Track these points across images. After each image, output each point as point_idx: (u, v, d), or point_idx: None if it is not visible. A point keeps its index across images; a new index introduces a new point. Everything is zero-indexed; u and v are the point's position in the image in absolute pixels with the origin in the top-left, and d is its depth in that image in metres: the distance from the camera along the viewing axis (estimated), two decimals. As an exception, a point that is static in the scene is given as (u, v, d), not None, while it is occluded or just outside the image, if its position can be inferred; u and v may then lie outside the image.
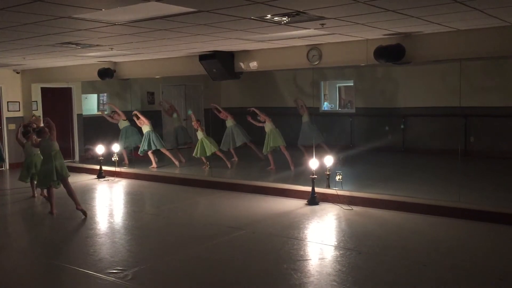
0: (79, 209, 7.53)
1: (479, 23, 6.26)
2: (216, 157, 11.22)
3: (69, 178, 7.74)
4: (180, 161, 11.75)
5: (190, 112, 13.14)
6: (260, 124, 10.82)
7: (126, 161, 11.96)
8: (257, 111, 10.87)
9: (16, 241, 6.77)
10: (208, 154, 10.91)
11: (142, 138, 11.58)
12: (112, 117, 12.12)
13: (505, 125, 11.68)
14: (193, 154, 11.10)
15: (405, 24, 6.29)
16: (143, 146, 11.31)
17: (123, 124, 12.03)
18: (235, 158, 12.06)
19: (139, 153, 11.47)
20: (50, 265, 5.58)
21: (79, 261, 5.58)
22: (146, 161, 11.88)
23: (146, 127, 11.40)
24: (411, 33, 7.07)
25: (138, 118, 11.51)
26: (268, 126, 10.59)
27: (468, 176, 9.42)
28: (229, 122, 11.88)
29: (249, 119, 11.34)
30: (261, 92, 15.37)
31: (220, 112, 12.07)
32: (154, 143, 11.25)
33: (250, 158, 12.00)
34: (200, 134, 11.01)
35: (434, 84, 12.60)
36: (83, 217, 7.53)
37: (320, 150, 10.96)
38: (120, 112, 12.00)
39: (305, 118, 11.63)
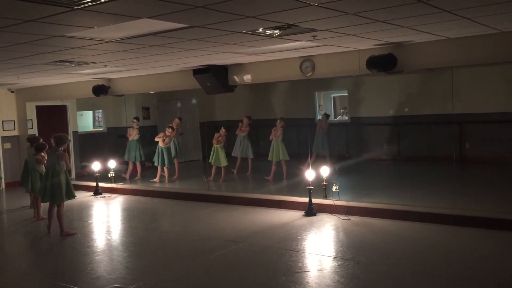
0: (63, 235, 7.45)
1: (468, 31, 6.33)
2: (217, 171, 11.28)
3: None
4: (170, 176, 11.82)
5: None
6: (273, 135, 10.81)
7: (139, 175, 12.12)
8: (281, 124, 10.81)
9: (14, 261, 6.73)
10: (213, 163, 11.09)
11: (142, 152, 12.03)
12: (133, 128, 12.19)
13: (500, 131, 11.74)
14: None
15: (395, 34, 6.35)
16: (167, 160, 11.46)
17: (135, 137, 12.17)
18: (235, 173, 12.01)
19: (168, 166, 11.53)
20: (47, 284, 5.54)
21: (77, 279, 5.54)
22: (146, 176, 11.94)
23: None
24: (402, 42, 7.14)
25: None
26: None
27: (464, 183, 9.45)
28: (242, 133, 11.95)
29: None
30: (255, 104, 15.42)
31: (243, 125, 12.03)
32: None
33: (247, 171, 11.99)
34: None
35: (428, 91, 12.68)
36: (79, 234, 7.52)
37: (321, 160, 11.06)
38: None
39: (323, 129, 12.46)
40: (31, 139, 9.28)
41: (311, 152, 10.97)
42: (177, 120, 12.34)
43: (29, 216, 8.94)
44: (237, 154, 11.79)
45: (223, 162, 11.09)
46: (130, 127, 12.30)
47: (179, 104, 15.04)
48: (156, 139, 11.58)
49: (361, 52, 7.64)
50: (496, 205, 7.46)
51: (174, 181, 11.58)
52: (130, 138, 12.06)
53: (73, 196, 7.68)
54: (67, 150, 7.83)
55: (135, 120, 12.21)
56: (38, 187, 8.16)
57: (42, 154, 8.54)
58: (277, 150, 10.58)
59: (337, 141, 13.83)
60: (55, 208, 7.57)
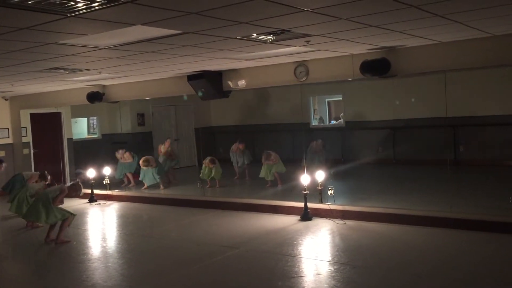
0: (58, 243, 7.44)
1: (461, 35, 6.37)
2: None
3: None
4: (170, 182, 11.91)
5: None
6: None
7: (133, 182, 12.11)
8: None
9: (9, 269, 6.69)
10: (207, 178, 11.15)
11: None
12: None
13: (494, 134, 11.81)
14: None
15: (389, 39, 6.38)
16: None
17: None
18: (237, 177, 12.04)
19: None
20: (42, 293, 5.52)
21: (72, 287, 5.51)
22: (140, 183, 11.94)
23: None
24: (396, 46, 7.18)
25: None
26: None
27: (459, 186, 9.49)
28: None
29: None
30: (250, 109, 15.43)
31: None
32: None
33: (244, 176, 11.98)
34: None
35: (421, 95, 12.74)
36: (74, 242, 7.49)
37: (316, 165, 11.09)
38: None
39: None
40: (42, 175, 9.42)
41: (306, 157, 10.97)
42: (168, 141, 12.35)
43: (23, 224, 8.88)
44: (235, 164, 11.85)
45: (218, 176, 11.10)
46: (121, 150, 12.26)
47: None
48: (141, 165, 11.44)
49: (355, 56, 7.68)
50: (491, 208, 7.48)
51: (169, 187, 11.58)
52: (127, 161, 12.05)
53: (69, 214, 7.62)
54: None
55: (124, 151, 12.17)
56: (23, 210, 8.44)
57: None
58: (275, 169, 10.61)
59: (332, 145, 13.84)
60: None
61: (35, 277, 6.20)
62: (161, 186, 11.41)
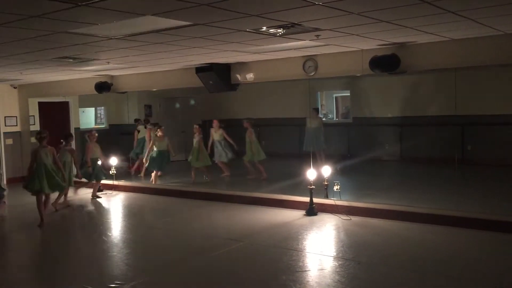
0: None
1: (472, 32, 6.32)
2: (216, 169, 11.21)
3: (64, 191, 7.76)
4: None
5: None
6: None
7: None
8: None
9: (14, 256, 6.74)
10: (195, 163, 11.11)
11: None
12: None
13: (502, 133, 11.72)
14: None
15: (399, 34, 6.34)
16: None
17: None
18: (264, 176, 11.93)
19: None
20: (48, 280, 5.55)
21: (77, 276, 5.55)
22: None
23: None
24: (406, 43, 7.13)
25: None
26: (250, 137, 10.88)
27: (466, 184, 9.44)
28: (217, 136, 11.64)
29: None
30: (257, 103, 15.38)
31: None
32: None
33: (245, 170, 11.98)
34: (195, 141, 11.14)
35: (430, 92, 12.67)
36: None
37: (317, 157, 11.08)
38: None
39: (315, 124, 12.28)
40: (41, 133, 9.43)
41: (313, 151, 10.95)
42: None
43: (31, 211, 8.91)
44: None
45: (205, 162, 11.09)
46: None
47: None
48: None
49: (365, 52, 7.63)
50: (498, 207, 7.44)
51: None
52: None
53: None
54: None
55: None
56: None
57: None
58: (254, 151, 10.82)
59: (339, 140, 13.81)
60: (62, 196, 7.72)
61: (39, 265, 6.24)
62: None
